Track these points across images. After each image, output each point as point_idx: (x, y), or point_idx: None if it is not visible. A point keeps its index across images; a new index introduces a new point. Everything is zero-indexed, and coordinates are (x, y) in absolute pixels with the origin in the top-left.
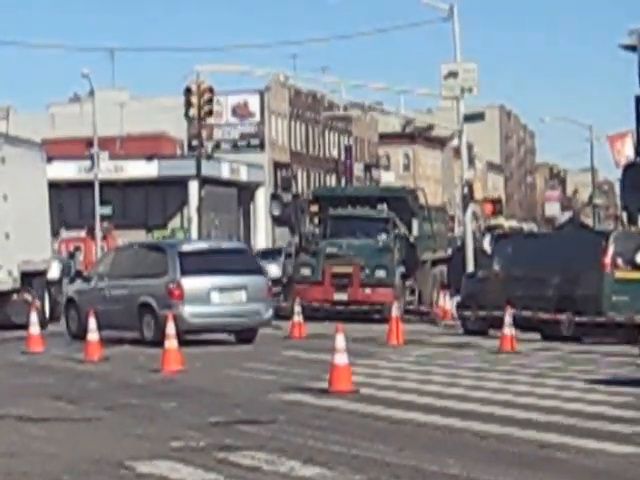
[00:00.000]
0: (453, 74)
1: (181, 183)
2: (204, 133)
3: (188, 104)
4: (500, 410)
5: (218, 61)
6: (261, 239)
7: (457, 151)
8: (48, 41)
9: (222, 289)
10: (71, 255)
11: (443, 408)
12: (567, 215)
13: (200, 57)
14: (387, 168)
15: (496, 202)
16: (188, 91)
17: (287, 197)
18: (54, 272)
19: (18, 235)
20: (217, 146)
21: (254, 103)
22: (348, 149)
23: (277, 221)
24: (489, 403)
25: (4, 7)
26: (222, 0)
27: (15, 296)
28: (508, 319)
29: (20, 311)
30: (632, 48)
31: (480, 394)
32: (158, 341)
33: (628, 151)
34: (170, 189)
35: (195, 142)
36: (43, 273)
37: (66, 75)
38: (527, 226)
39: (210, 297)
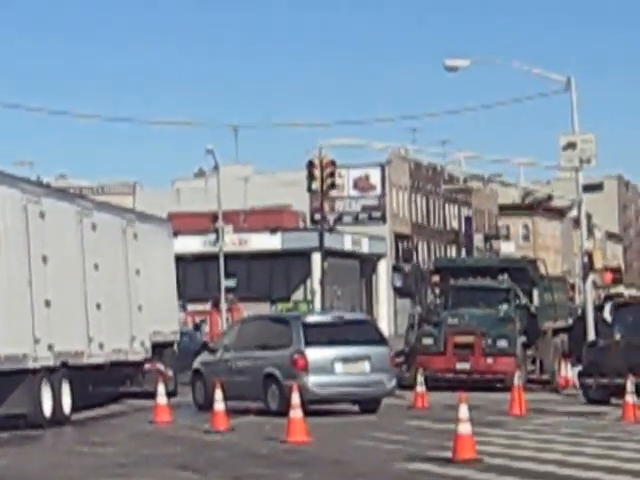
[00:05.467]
0: (571, 145)
1: (304, 255)
2: (326, 206)
3: (311, 178)
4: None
5: (339, 135)
6: (383, 310)
7: (576, 221)
8: (173, 118)
9: (345, 359)
10: (197, 327)
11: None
12: None
13: (321, 132)
14: (507, 239)
15: (616, 271)
16: (311, 165)
17: (408, 268)
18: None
19: (149, 307)
20: (339, 219)
21: (375, 176)
22: (468, 220)
23: (399, 292)
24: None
25: (133, 87)
26: (340, 76)
27: (147, 366)
28: (630, 387)
29: (152, 380)
30: None
31: (603, 462)
32: (283, 411)
33: None
34: (293, 261)
35: (317, 215)
36: (172, 344)
37: (191, 151)
38: None
39: (334, 367)
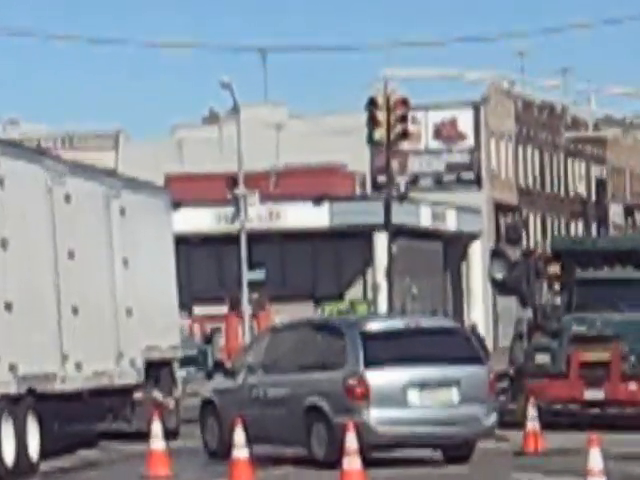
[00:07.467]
0: None
1: (363, 235)
2: (395, 164)
3: (373, 123)
4: None
5: (413, 64)
6: (478, 313)
7: None
8: (174, 39)
9: (423, 385)
10: (208, 339)
11: None
12: None
13: (388, 59)
14: None
15: None
16: (373, 105)
17: (514, 254)
18: None
19: (141, 312)
20: (414, 182)
21: (466, 121)
22: (601, 184)
23: (500, 288)
24: None
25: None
26: None
27: (140, 394)
28: None
29: (144, 415)
30: None
31: None
32: (333, 460)
33: None
34: (347, 244)
35: (382, 177)
36: (170, 363)
37: (199, 87)
38: None
39: (407, 397)
